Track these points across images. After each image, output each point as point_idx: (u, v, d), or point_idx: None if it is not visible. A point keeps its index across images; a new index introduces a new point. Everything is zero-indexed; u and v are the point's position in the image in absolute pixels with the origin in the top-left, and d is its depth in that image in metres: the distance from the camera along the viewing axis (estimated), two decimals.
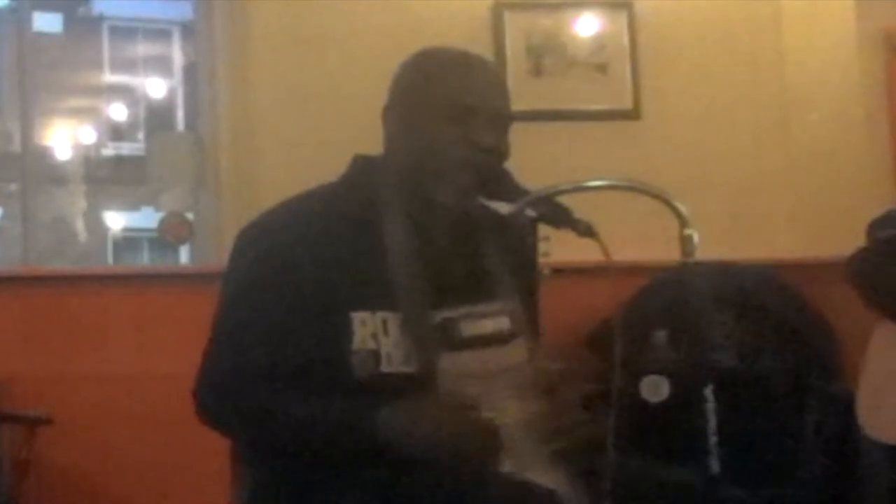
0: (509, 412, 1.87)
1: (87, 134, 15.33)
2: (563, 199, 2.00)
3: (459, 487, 1.78)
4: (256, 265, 1.92)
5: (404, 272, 1.90)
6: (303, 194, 2.01)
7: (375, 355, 1.86)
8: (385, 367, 1.85)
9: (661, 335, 3.62)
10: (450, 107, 1.93)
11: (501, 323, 1.96)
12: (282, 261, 1.89)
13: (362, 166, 2.03)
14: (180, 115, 14.76)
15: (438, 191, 1.93)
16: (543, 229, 2.03)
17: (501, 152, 1.97)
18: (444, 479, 1.78)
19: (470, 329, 1.92)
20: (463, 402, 1.83)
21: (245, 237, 1.98)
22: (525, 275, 2.09)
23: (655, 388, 3.48)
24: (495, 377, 1.91)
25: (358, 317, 1.86)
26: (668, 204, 2.03)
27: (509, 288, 2.02)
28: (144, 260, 15.60)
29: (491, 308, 1.97)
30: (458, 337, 1.90)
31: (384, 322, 1.87)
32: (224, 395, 1.88)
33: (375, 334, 1.86)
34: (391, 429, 1.78)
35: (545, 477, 1.87)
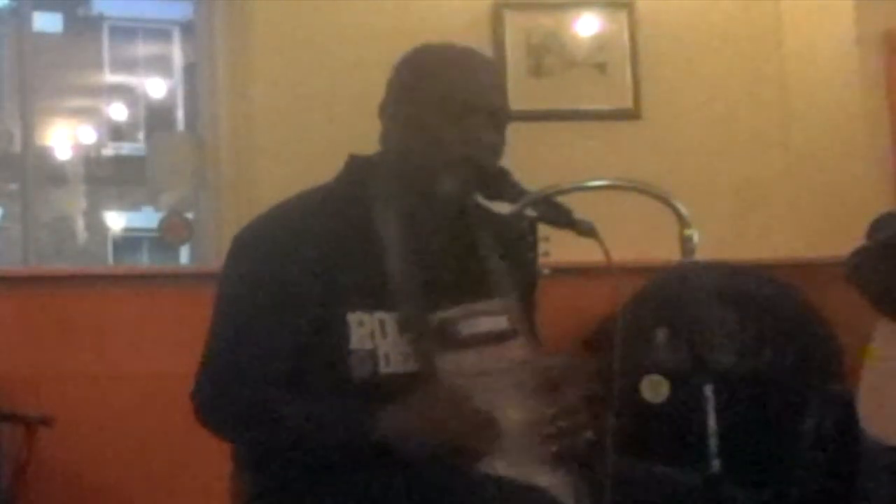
0: (509, 411, 1.87)
1: (87, 134, 15.34)
2: (563, 199, 2.00)
3: (455, 489, 1.77)
4: (253, 268, 1.92)
5: (401, 272, 1.90)
6: (298, 195, 2.00)
7: (373, 356, 1.85)
8: (383, 368, 1.85)
9: (661, 335, 3.62)
10: (449, 103, 1.93)
11: (499, 322, 1.96)
12: (278, 263, 1.89)
13: (358, 166, 2.03)
14: (180, 115, 14.76)
15: (436, 186, 1.93)
16: (543, 229, 2.04)
17: (498, 149, 1.97)
18: (440, 481, 1.77)
19: (468, 328, 1.91)
20: (458, 395, 1.82)
21: (241, 240, 1.98)
22: (523, 273, 2.09)
23: (655, 388, 3.48)
24: (494, 376, 1.90)
25: (355, 317, 1.86)
26: (668, 204, 2.03)
27: (507, 286, 2.01)
28: (144, 260, 15.60)
29: (489, 307, 1.96)
30: (456, 337, 1.90)
31: (381, 322, 1.87)
32: (223, 398, 1.88)
33: (373, 335, 1.86)
34: (388, 427, 1.78)
35: (544, 477, 1.86)
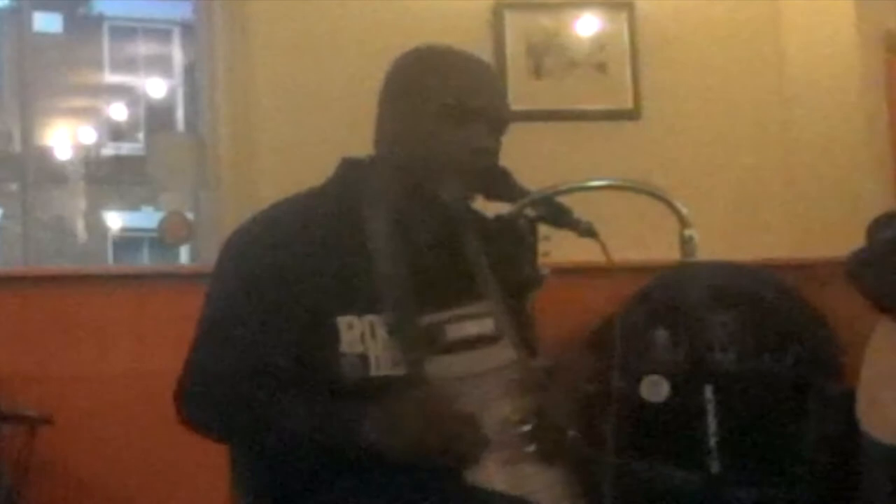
0: (495, 413, 1.87)
1: (87, 134, 15.34)
2: (563, 199, 2.00)
3: (444, 499, 1.77)
4: (242, 270, 1.91)
5: (390, 275, 1.89)
6: (290, 198, 2.00)
7: (364, 359, 1.85)
8: (374, 371, 1.85)
9: (661, 335, 3.62)
10: (454, 108, 1.92)
11: (486, 324, 1.96)
12: (268, 265, 1.88)
13: (350, 169, 2.03)
14: (180, 115, 14.77)
15: (437, 191, 1.93)
16: (543, 229, 2.04)
17: (497, 154, 1.98)
18: (430, 490, 1.77)
19: (455, 332, 1.91)
20: (444, 400, 1.82)
21: (231, 243, 1.97)
22: (514, 274, 2.08)
23: (655, 388, 3.48)
24: (482, 379, 1.90)
25: (344, 320, 1.85)
26: (668, 204, 2.04)
27: (494, 288, 2.01)
28: (144, 260, 15.61)
29: (475, 310, 1.96)
30: (443, 340, 1.89)
31: (371, 325, 1.86)
32: (213, 399, 1.86)
33: (363, 338, 1.85)
34: (375, 428, 1.77)
35: (534, 479, 1.86)
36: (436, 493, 1.77)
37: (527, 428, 1.88)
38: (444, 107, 1.92)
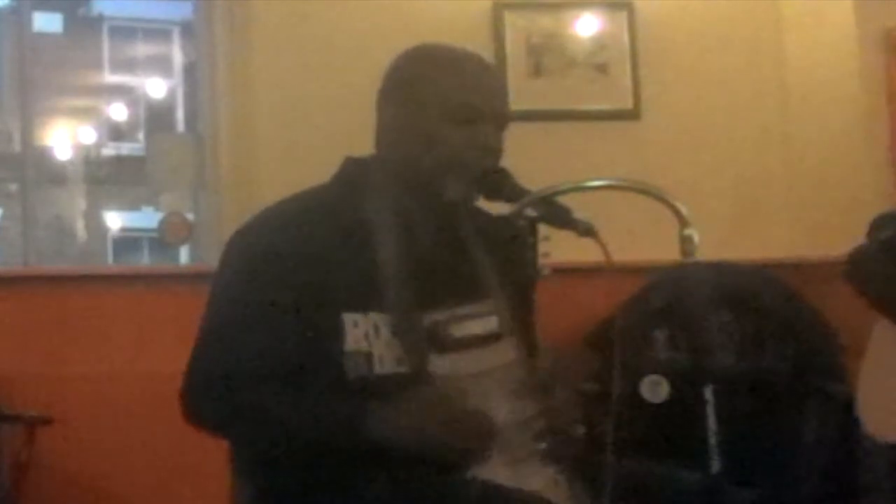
0: (500, 412, 1.87)
1: (87, 134, 15.34)
2: (563, 199, 2.00)
3: (446, 495, 1.77)
4: (247, 268, 1.91)
5: (394, 274, 1.89)
6: (293, 196, 2.00)
7: (368, 357, 1.85)
8: (378, 369, 1.85)
9: (661, 335, 3.62)
10: (458, 108, 1.92)
11: (489, 323, 1.96)
12: (272, 263, 1.88)
13: (353, 167, 2.03)
14: (180, 115, 14.75)
15: (441, 190, 1.93)
16: (543, 229, 2.03)
17: (500, 153, 1.98)
18: (432, 488, 1.77)
19: (458, 331, 1.91)
20: (451, 395, 1.82)
21: (235, 241, 1.97)
22: (517, 273, 2.08)
23: (655, 388, 3.48)
24: (485, 377, 1.90)
25: (350, 318, 1.85)
26: (668, 204, 2.04)
27: (497, 287, 2.01)
28: (144, 260, 15.59)
29: (478, 308, 1.96)
30: (447, 339, 1.90)
31: (375, 324, 1.86)
32: (219, 396, 1.86)
33: (367, 336, 1.85)
34: (379, 424, 1.77)
35: (535, 478, 1.87)
36: (440, 487, 1.77)
37: (526, 427, 1.88)
38: (448, 106, 1.92)
